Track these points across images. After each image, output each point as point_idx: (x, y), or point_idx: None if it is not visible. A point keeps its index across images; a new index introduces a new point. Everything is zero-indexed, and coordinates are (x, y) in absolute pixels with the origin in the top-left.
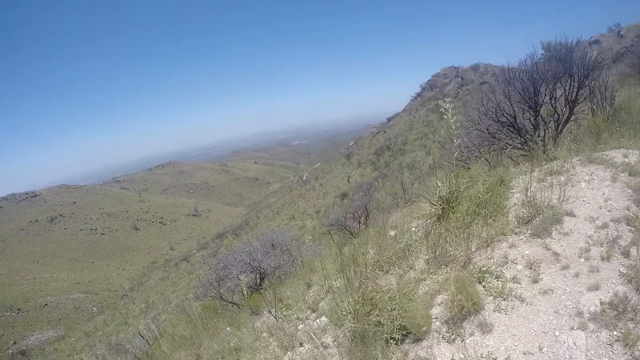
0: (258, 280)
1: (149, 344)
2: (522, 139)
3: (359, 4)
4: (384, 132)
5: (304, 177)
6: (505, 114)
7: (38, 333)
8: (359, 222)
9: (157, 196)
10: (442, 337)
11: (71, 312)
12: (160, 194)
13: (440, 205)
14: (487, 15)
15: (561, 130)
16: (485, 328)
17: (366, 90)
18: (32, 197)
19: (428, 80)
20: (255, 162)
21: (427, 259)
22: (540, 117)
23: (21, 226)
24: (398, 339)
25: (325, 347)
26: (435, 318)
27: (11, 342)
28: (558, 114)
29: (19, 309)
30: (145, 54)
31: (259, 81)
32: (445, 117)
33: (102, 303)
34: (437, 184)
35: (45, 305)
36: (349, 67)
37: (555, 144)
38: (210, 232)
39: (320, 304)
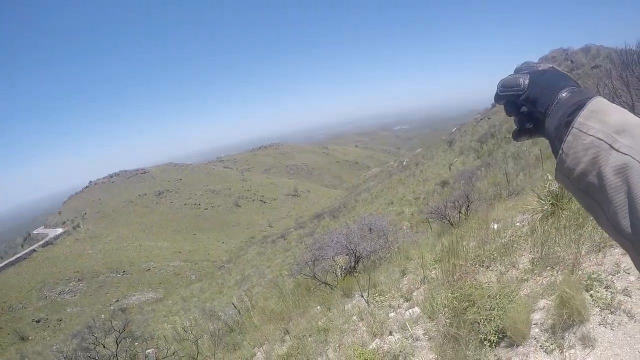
0: (353, 263)
1: (240, 314)
2: None
3: None
4: (488, 118)
5: (404, 163)
6: (622, 102)
7: (139, 294)
8: (459, 212)
9: (259, 176)
10: (540, 346)
11: (171, 277)
12: (262, 174)
13: (550, 201)
14: None
15: None
16: (587, 342)
17: (473, 74)
18: (141, 173)
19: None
20: (356, 146)
21: (532, 258)
22: None
23: (131, 199)
24: (493, 342)
25: (415, 339)
26: (534, 324)
27: (114, 300)
28: None
29: (123, 272)
30: (259, 39)
31: (363, 67)
32: None
33: (200, 272)
34: (547, 176)
35: (148, 269)
36: (455, 52)
37: None
38: (308, 212)
39: (414, 294)
